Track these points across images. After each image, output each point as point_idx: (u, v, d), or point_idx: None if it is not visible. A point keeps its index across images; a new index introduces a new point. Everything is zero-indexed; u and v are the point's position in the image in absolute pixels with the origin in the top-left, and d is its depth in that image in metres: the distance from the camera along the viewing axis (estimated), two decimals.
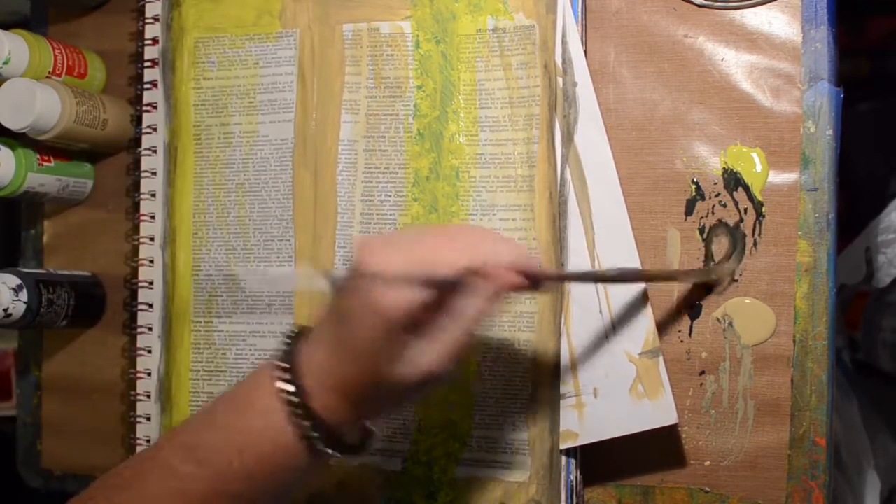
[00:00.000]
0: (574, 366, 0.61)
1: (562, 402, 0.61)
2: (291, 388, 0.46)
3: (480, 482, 0.63)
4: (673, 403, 0.59)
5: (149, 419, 0.69)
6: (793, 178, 0.61)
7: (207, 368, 0.68)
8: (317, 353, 0.47)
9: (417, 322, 0.45)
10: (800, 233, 0.60)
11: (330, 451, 0.47)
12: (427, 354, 0.46)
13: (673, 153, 0.62)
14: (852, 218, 0.95)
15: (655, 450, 0.62)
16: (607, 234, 0.61)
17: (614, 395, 0.60)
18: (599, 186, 0.61)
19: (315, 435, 0.46)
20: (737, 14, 0.62)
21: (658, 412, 0.59)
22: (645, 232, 0.63)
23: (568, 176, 0.61)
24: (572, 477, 0.61)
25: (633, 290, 0.60)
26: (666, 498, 0.62)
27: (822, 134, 0.60)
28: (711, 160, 0.62)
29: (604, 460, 0.62)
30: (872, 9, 1.13)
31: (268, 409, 0.46)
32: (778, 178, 0.61)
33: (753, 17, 0.62)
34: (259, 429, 0.47)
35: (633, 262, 0.60)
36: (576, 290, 0.61)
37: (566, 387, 0.61)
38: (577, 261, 0.61)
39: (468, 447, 0.63)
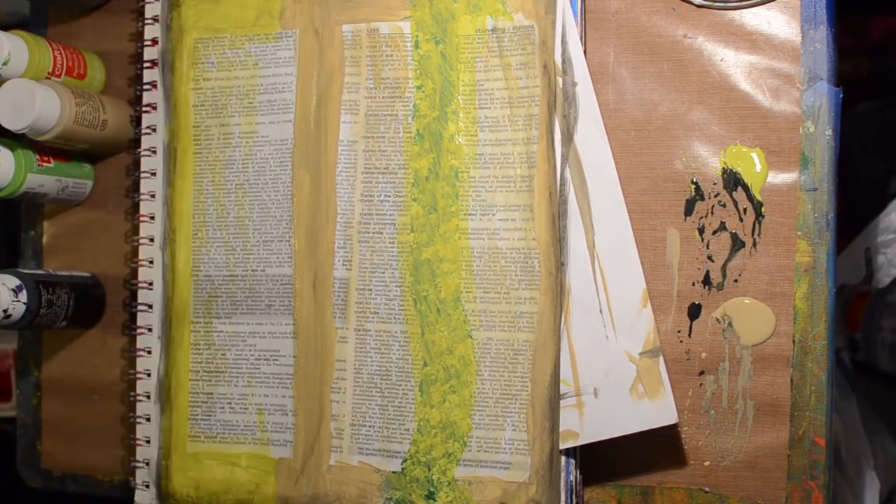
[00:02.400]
0: (574, 366, 0.61)
1: (562, 401, 0.61)
2: None
3: (480, 482, 0.63)
4: (673, 403, 0.59)
5: (148, 420, 0.69)
6: (792, 179, 0.61)
7: (207, 369, 0.68)
8: None
9: None
10: (799, 233, 0.60)
11: None
12: None
13: (672, 153, 0.62)
14: (852, 218, 0.95)
15: (655, 450, 0.62)
16: (607, 234, 0.61)
17: (615, 394, 0.60)
18: (599, 186, 0.61)
19: None
20: (736, 14, 0.62)
21: (658, 412, 0.59)
22: (644, 232, 0.63)
23: (568, 176, 0.61)
24: (572, 477, 0.61)
25: (634, 289, 0.60)
26: (665, 498, 0.62)
27: (821, 134, 0.60)
28: (711, 160, 0.62)
29: (604, 460, 0.62)
30: (872, 9, 1.13)
31: None
32: (777, 178, 0.61)
33: (752, 18, 0.62)
34: None
35: (632, 262, 0.60)
36: (576, 290, 0.61)
37: (566, 387, 0.61)
38: (578, 261, 0.61)
39: (467, 447, 0.63)
